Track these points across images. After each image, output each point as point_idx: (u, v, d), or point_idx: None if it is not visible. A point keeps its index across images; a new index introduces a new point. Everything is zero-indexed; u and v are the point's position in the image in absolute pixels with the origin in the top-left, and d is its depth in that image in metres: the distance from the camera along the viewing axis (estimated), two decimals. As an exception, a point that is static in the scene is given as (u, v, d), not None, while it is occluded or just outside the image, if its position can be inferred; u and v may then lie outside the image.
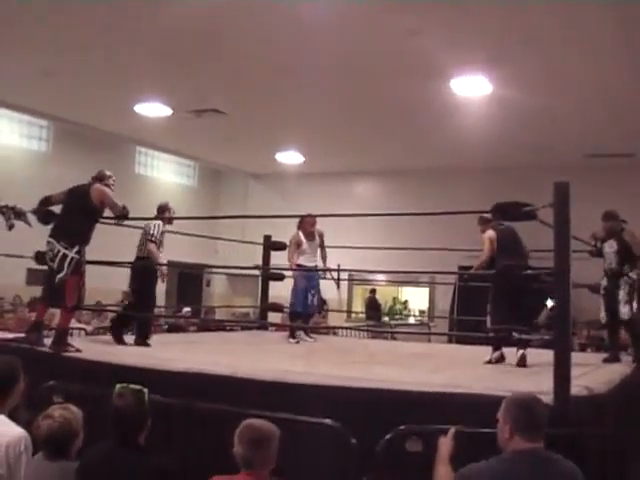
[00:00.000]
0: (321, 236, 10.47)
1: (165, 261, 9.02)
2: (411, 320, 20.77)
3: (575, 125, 14.25)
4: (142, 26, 10.35)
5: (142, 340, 8.59)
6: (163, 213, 9.09)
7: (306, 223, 10.25)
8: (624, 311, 8.53)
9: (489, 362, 7.83)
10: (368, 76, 12.14)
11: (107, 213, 7.96)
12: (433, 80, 12.08)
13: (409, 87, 12.51)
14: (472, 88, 12.38)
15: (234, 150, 18.79)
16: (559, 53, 10.73)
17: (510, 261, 7.61)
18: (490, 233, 8.07)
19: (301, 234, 10.31)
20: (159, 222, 8.87)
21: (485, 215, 8.05)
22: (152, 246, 8.66)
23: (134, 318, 8.80)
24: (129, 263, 9.09)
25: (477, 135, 15.21)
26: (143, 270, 8.74)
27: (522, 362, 7.43)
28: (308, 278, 10.28)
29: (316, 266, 10.31)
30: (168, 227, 9.16)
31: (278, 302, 11.91)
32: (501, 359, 7.81)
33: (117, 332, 8.70)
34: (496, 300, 7.92)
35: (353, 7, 9.48)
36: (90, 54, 11.48)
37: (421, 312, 20.34)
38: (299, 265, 10.16)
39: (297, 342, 10.05)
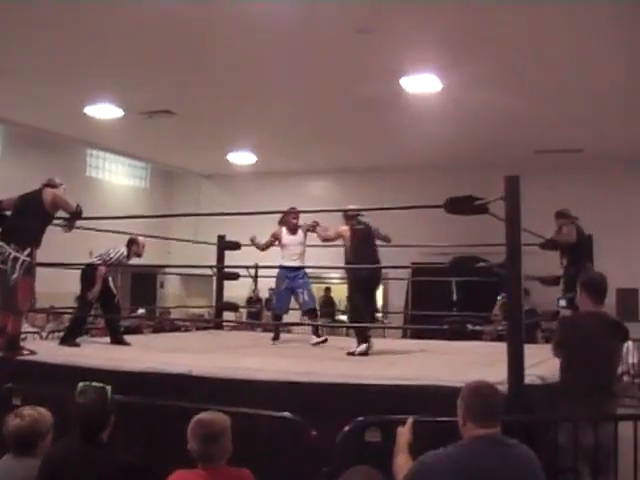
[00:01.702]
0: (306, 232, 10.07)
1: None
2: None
3: (525, 122, 14.42)
4: (92, 27, 10.25)
5: (119, 339, 8.77)
6: (130, 246, 9.05)
7: (288, 217, 9.97)
8: (561, 303, 8.85)
9: (352, 354, 8.08)
10: (319, 75, 12.19)
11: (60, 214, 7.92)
12: (384, 78, 12.14)
13: (360, 86, 12.57)
14: (422, 86, 12.46)
15: (186, 151, 18.70)
16: (510, 51, 10.85)
17: (359, 260, 8.27)
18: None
19: (284, 229, 10.05)
20: (124, 251, 8.90)
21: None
22: (101, 269, 8.68)
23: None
24: (80, 265, 9.05)
25: (429, 133, 15.33)
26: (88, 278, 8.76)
27: (364, 352, 8.03)
28: (291, 278, 9.97)
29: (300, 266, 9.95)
30: (133, 261, 9.14)
31: (232, 302, 11.95)
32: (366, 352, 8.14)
33: (72, 335, 8.69)
34: (355, 294, 8.46)
35: (303, 5, 9.51)
36: (37, 54, 11.31)
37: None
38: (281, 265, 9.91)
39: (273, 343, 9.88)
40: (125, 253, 8.92)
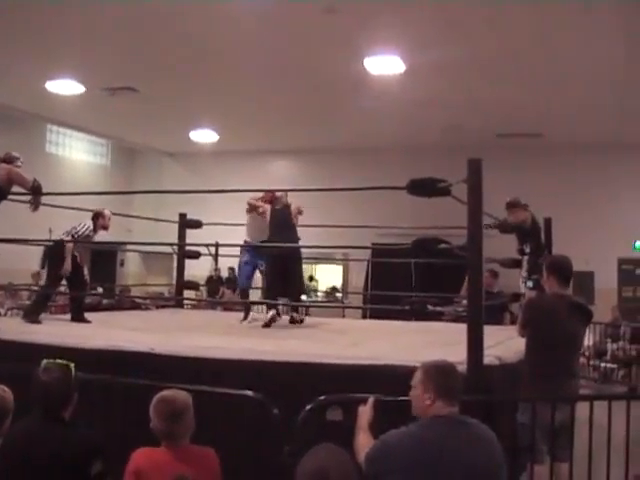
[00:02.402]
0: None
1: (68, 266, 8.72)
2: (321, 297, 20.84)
3: (488, 105, 14.50)
4: (54, 1, 10.10)
5: (80, 317, 8.73)
6: (96, 219, 8.92)
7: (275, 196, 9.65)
8: (528, 284, 8.96)
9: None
10: (283, 54, 12.12)
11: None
12: (347, 58, 12.12)
13: (323, 65, 12.55)
14: (386, 67, 12.46)
15: (148, 128, 18.54)
16: (473, 35, 10.90)
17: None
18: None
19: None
20: (90, 225, 8.77)
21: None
22: (69, 245, 8.56)
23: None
24: (42, 242, 8.95)
25: (392, 114, 15.33)
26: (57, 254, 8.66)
27: (269, 323, 8.82)
28: (252, 254, 10.06)
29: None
30: (100, 235, 9.01)
31: (193, 280, 11.92)
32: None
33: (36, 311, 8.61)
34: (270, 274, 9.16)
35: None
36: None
37: (334, 289, 20.46)
38: (245, 241, 10.03)
39: (247, 322, 9.81)
40: (91, 227, 8.79)
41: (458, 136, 16.45)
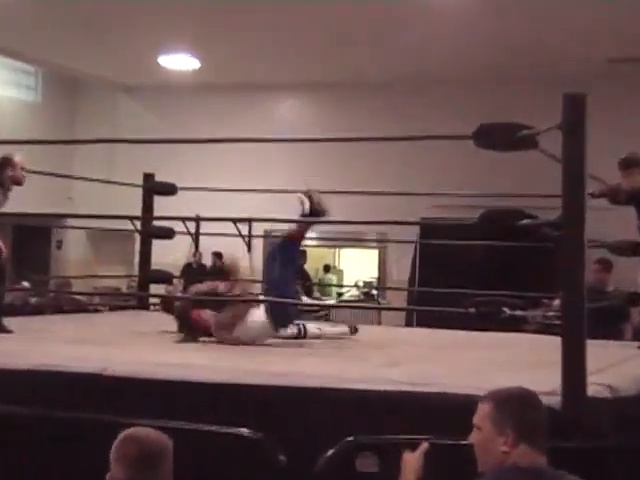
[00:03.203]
0: None
1: None
2: (348, 294, 20.81)
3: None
4: None
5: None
6: (3, 169, 8.83)
7: None
8: None
9: None
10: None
11: None
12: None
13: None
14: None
15: (97, 50, 18.45)
16: None
17: None
18: None
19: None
20: None
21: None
22: None
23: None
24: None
25: (454, 28, 15.24)
26: None
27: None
28: None
29: None
30: (17, 197, 8.98)
31: (163, 270, 11.93)
32: None
33: None
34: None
35: None
36: None
37: (366, 284, 20.48)
38: None
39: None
40: None
41: (548, 62, 16.37)
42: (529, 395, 3.85)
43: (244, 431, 5.10)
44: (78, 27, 16.63)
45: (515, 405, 3.77)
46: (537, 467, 3.66)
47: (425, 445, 4.23)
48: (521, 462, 3.65)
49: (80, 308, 13.88)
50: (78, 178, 14.54)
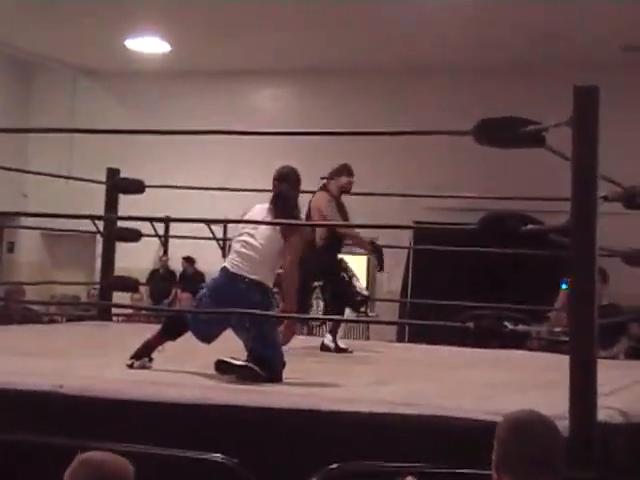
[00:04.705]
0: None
1: None
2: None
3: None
4: None
5: None
6: None
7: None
8: None
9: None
10: None
11: None
12: None
13: None
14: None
15: (55, 30, 18.43)
16: None
17: None
18: None
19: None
20: None
21: None
22: None
23: None
24: None
25: (453, 12, 15.30)
26: None
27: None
28: None
29: None
30: None
31: (129, 276, 11.90)
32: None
33: None
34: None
35: None
36: None
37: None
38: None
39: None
40: None
41: (557, 52, 16.42)
42: (525, 422, 3.73)
43: (217, 457, 5.08)
44: (33, 3, 16.59)
45: (503, 434, 3.69)
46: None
47: (411, 477, 4.22)
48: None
49: (33, 318, 13.82)
50: (33, 173, 14.49)
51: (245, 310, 7.06)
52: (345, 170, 10.25)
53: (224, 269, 7.60)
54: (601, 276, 10.51)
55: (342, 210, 10.09)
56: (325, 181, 10.11)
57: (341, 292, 9.86)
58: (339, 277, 9.92)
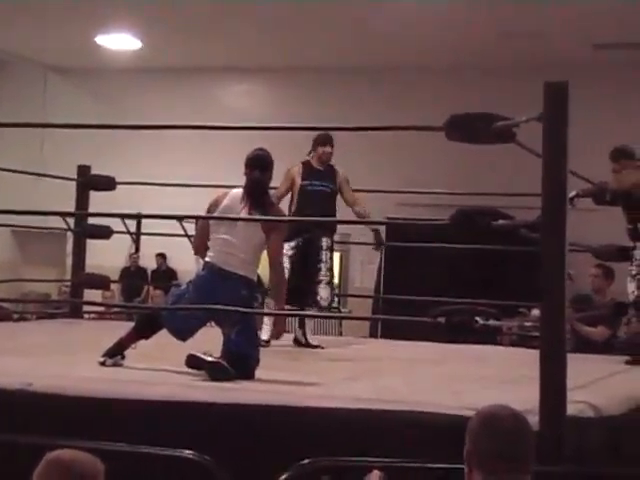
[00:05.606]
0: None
1: None
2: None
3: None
4: None
5: None
6: None
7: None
8: (630, 289, 8.94)
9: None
10: None
11: None
12: None
13: None
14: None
15: (24, 27, 18.35)
16: None
17: None
18: None
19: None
20: None
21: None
22: None
23: None
24: None
25: (425, 14, 15.30)
26: None
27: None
28: None
29: None
30: None
31: (100, 273, 11.85)
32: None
33: None
34: None
35: None
36: None
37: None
38: None
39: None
40: None
41: (529, 48, 16.45)
42: (495, 416, 3.73)
43: (188, 453, 5.08)
44: (1, 1, 16.54)
45: (475, 428, 3.70)
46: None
47: (377, 473, 4.22)
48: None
49: (3, 316, 13.75)
50: (2, 169, 14.41)
51: (223, 307, 7.05)
52: (318, 140, 10.48)
53: (210, 265, 7.61)
54: (605, 271, 10.59)
55: (325, 177, 10.56)
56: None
57: (304, 290, 9.83)
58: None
